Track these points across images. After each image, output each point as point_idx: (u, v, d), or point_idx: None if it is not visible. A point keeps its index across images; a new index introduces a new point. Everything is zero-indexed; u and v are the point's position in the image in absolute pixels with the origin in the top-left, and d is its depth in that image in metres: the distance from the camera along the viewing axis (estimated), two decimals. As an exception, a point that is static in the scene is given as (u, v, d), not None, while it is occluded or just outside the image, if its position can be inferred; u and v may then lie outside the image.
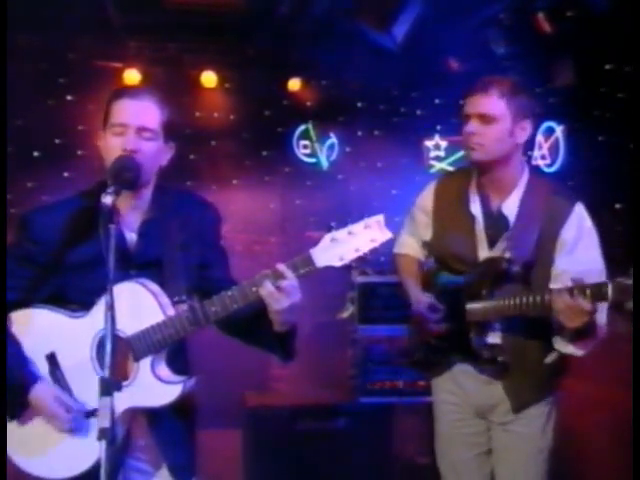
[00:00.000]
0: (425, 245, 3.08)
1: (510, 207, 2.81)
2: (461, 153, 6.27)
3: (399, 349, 5.11)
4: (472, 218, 2.85)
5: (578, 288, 2.50)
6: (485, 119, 2.72)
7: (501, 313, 2.77)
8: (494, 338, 2.85)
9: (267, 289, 2.23)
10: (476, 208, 2.86)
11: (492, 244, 2.82)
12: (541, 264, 2.75)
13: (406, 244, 3.15)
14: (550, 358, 2.83)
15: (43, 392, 2.32)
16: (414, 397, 5.04)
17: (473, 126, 2.74)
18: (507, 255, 2.77)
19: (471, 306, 2.83)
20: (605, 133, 5.75)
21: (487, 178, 2.83)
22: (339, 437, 4.67)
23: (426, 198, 3.03)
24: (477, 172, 2.87)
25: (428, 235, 3.03)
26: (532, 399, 2.86)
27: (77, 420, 2.31)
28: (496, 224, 2.82)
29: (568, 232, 2.73)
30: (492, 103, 2.71)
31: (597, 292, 2.47)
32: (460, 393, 2.96)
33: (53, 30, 5.35)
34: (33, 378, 2.34)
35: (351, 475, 4.62)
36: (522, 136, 2.77)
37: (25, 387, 2.31)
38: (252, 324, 2.39)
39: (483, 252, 2.84)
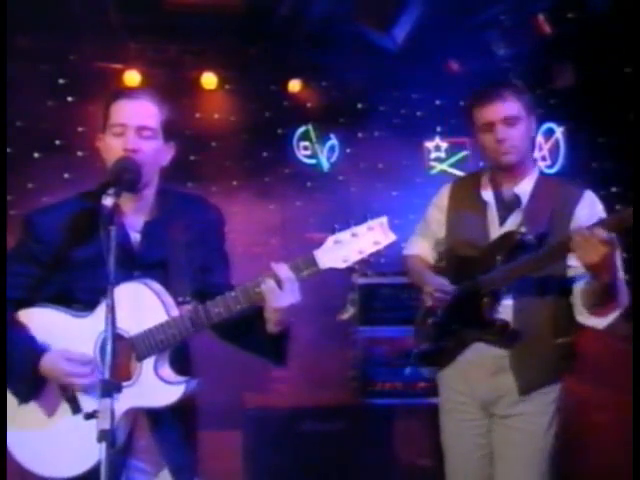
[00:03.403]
0: (437, 244, 3.17)
1: (523, 189, 2.96)
2: (461, 154, 6.28)
3: (400, 350, 5.13)
4: (484, 204, 3.00)
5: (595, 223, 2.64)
6: (510, 122, 2.87)
7: (516, 273, 2.84)
8: (506, 315, 2.90)
9: (269, 285, 2.23)
10: (488, 195, 3.01)
11: (502, 223, 2.96)
12: (556, 238, 2.84)
13: (417, 246, 3.24)
14: (561, 339, 2.90)
15: (54, 357, 2.31)
16: (414, 398, 5.04)
17: (502, 132, 2.88)
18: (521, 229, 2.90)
19: (483, 276, 2.90)
20: (605, 134, 5.75)
21: (504, 174, 2.98)
22: (339, 438, 4.66)
23: (441, 197, 3.18)
24: (493, 170, 3.03)
25: (442, 232, 3.14)
26: (540, 381, 2.90)
27: (90, 376, 2.29)
28: (508, 205, 2.96)
29: (582, 211, 2.86)
30: (512, 106, 2.88)
31: (614, 221, 2.61)
32: (466, 389, 3.00)
33: (54, 31, 5.35)
34: (41, 350, 2.32)
35: (351, 476, 4.62)
36: (534, 131, 2.98)
37: (35, 359, 2.30)
38: (246, 325, 2.38)
39: (494, 232, 2.96)
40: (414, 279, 3.20)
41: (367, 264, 2.19)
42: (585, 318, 2.84)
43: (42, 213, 2.43)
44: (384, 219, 2.19)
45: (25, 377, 2.33)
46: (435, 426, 4.85)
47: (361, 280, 5.19)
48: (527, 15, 4.97)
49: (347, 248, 2.18)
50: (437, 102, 6.21)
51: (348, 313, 5.24)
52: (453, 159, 6.30)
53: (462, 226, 3.05)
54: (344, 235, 2.19)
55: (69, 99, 5.79)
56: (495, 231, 2.96)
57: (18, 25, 4.71)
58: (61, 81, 5.78)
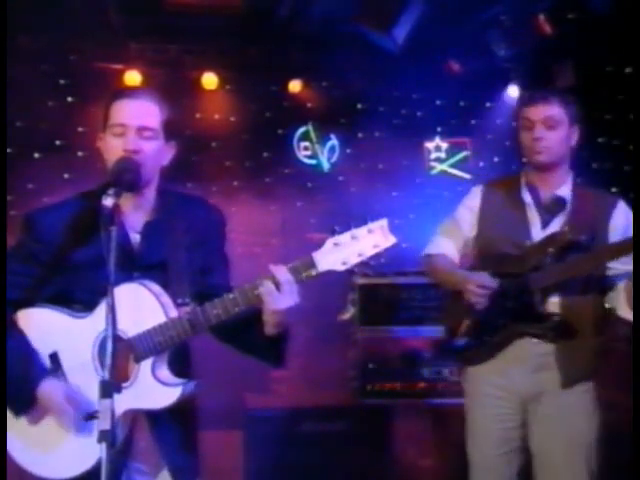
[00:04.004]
0: (465, 244, 3.26)
1: (564, 193, 3.10)
2: (462, 154, 6.26)
3: (400, 350, 5.12)
4: (523, 204, 3.13)
5: None
6: (549, 124, 3.02)
7: (572, 272, 2.97)
8: (553, 310, 3.03)
9: (267, 287, 2.22)
10: (527, 196, 3.13)
11: (545, 225, 3.09)
12: (599, 242, 3.01)
13: (442, 245, 3.31)
14: (599, 337, 3.08)
15: (53, 388, 2.31)
16: (414, 399, 5.03)
17: (539, 132, 3.02)
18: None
19: (534, 273, 3.01)
20: (605, 135, 5.75)
21: (540, 177, 3.12)
22: (339, 439, 4.65)
23: (473, 198, 3.26)
24: (528, 173, 3.16)
25: (473, 232, 3.24)
26: (580, 376, 3.04)
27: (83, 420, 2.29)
28: (549, 207, 3.10)
29: (617, 220, 3.04)
30: (555, 110, 3.02)
31: None
32: (505, 384, 3.10)
33: (54, 32, 5.34)
34: (42, 372, 2.32)
35: (351, 477, 4.61)
36: (574, 140, 3.10)
37: (33, 381, 2.30)
38: (244, 327, 2.38)
39: (536, 232, 3.09)
40: (441, 278, 3.30)
41: (367, 267, 2.18)
42: (626, 312, 2.98)
43: (42, 213, 2.43)
44: (384, 222, 2.17)
45: (19, 396, 2.33)
46: (435, 427, 4.85)
47: (361, 280, 5.17)
48: (528, 15, 4.96)
49: (346, 251, 2.16)
50: (437, 102, 6.19)
51: (348, 313, 5.23)
52: (453, 159, 6.29)
53: (500, 226, 3.15)
54: (343, 237, 2.17)
55: (69, 99, 5.77)
56: (537, 231, 3.08)
57: (18, 25, 4.70)
58: (61, 81, 5.75)
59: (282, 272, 2.21)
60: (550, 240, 3.02)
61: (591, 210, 3.04)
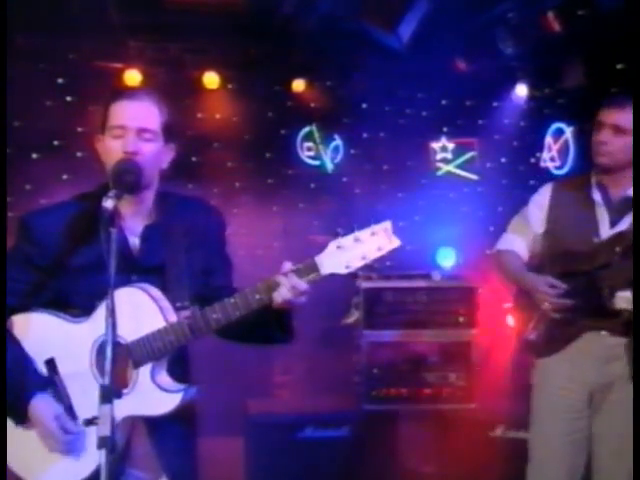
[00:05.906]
0: (534, 240, 3.37)
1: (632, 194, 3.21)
2: (468, 155, 6.22)
3: (404, 355, 5.08)
4: (592, 202, 3.25)
5: None
6: (617, 131, 3.13)
7: None
8: (624, 304, 3.13)
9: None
10: (597, 195, 3.26)
11: (613, 224, 3.21)
12: None
13: (513, 242, 3.44)
14: None
15: (44, 408, 2.29)
16: (418, 405, 4.99)
17: (605, 135, 3.15)
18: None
19: (603, 270, 3.13)
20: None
21: (609, 178, 3.23)
22: (342, 445, 4.67)
23: (542, 195, 3.40)
24: (597, 173, 3.28)
25: (541, 229, 3.37)
26: None
27: (73, 443, 2.27)
28: (620, 206, 3.20)
29: None
30: (627, 118, 3.13)
31: None
32: (574, 375, 3.23)
33: (53, 30, 5.30)
34: (34, 387, 2.30)
35: (354, 483, 4.60)
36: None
37: (26, 396, 2.28)
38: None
39: (604, 231, 3.21)
40: (510, 276, 3.43)
41: (371, 270, 2.16)
42: None
43: (38, 215, 2.41)
44: (388, 224, 2.15)
45: (14, 407, 2.31)
46: (439, 432, 4.81)
47: (365, 284, 5.14)
48: (536, 13, 4.92)
49: (350, 253, 2.14)
50: (443, 102, 6.15)
51: (352, 317, 5.20)
52: (460, 160, 6.25)
53: (569, 223, 3.28)
54: (347, 240, 2.15)
55: (68, 99, 5.74)
56: (605, 230, 3.21)
57: (16, 24, 4.65)
58: (60, 80, 5.72)
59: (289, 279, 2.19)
60: (618, 238, 3.14)
61: None
